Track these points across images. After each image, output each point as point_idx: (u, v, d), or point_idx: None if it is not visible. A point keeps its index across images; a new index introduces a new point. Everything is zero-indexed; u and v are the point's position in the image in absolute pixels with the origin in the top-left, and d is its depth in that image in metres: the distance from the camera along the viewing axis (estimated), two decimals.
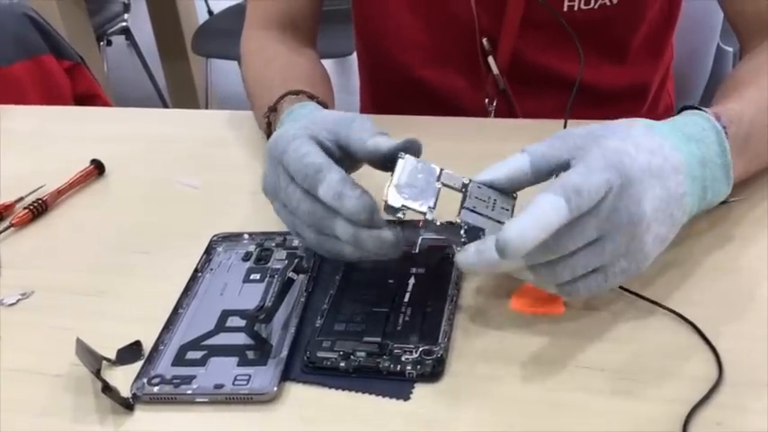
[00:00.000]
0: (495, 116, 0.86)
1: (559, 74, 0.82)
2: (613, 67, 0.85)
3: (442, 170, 0.52)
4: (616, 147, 0.49)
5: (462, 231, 0.50)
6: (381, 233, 0.51)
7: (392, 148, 0.53)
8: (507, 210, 0.52)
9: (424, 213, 0.50)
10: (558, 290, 0.49)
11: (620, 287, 0.53)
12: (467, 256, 0.49)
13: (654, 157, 0.50)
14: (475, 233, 0.50)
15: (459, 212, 0.51)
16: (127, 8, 2.64)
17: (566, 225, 0.45)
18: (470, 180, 0.52)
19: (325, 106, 0.68)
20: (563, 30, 0.73)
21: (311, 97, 0.69)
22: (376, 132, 0.55)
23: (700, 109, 0.56)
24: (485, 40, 0.82)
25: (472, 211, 0.51)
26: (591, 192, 0.46)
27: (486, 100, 0.85)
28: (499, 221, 0.51)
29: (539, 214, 0.45)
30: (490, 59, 0.83)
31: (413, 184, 0.51)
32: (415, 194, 0.51)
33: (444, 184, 0.52)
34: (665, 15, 0.85)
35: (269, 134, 0.69)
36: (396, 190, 0.51)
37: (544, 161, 0.51)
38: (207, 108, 2.41)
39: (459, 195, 0.52)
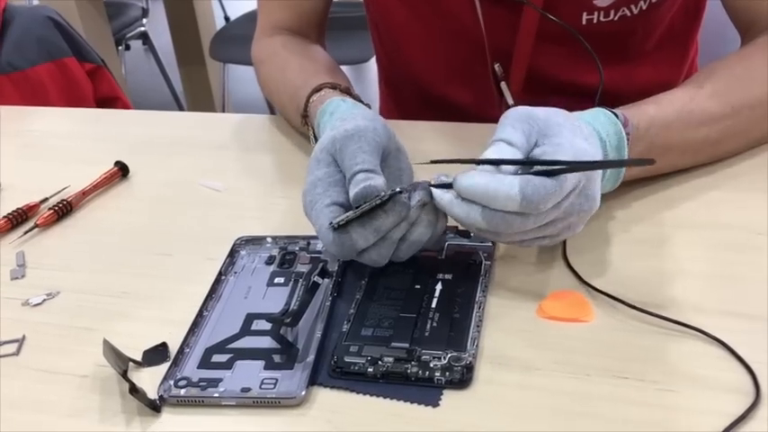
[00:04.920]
0: None
1: (577, 84, 0.81)
2: (634, 69, 0.84)
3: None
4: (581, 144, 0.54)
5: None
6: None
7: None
8: None
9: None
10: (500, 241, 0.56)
11: (645, 310, 0.52)
12: (442, 196, 0.53)
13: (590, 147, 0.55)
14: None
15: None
16: (145, 13, 2.66)
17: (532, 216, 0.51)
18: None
19: (349, 93, 0.72)
20: (580, 41, 0.72)
21: (333, 87, 0.71)
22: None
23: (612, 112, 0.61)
24: (497, 66, 0.81)
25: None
26: (558, 195, 0.51)
27: None
28: None
29: (493, 187, 0.50)
30: (503, 85, 0.82)
31: None
32: None
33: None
34: (690, 12, 0.84)
35: (310, 134, 0.72)
36: None
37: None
38: (224, 113, 2.42)
39: None
